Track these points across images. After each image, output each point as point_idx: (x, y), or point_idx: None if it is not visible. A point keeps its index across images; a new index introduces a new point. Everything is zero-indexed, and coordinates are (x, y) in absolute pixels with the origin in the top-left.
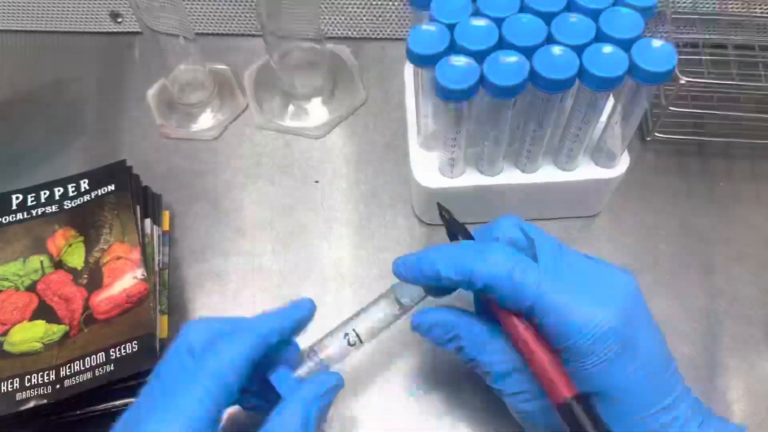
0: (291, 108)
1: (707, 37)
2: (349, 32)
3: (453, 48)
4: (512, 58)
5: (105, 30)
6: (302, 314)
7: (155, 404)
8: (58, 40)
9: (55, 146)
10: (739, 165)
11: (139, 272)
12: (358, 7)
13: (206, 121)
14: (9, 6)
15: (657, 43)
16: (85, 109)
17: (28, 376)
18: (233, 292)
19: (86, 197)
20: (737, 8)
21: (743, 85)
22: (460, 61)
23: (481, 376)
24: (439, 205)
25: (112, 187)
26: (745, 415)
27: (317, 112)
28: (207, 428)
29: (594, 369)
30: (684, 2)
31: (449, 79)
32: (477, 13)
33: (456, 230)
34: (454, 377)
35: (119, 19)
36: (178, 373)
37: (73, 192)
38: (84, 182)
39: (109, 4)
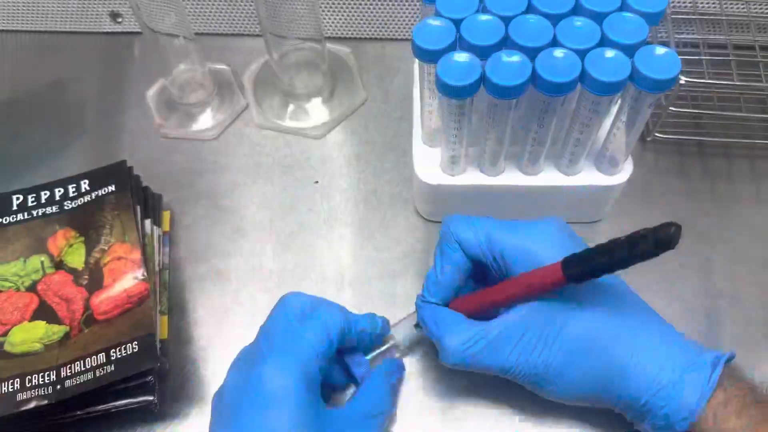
0: (291, 108)
1: (707, 37)
2: (349, 32)
3: (458, 43)
4: (515, 58)
5: (105, 30)
6: (378, 325)
7: (270, 351)
8: (58, 40)
9: (56, 146)
10: (739, 165)
11: (140, 272)
12: (358, 7)
13: (206, 121)
14: (9, 6)
15: (661, 50)
16: (85, 109)
17: (29, 377)
18: (233, 292)
19: (87, 197)
20: (737, 8)
21: (743, 85)
22: (462, 57)
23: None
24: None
25: (112, 188)
26: None
27: (317, 112)
28: (315, 371)
29: None
30: (684, 2)
31: (450, 76)
32: (483, 11)
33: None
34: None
35: (119, 19)
36: (286, 332)
37: (73, 192)
38: (84, 182)
39: (109, 4)
